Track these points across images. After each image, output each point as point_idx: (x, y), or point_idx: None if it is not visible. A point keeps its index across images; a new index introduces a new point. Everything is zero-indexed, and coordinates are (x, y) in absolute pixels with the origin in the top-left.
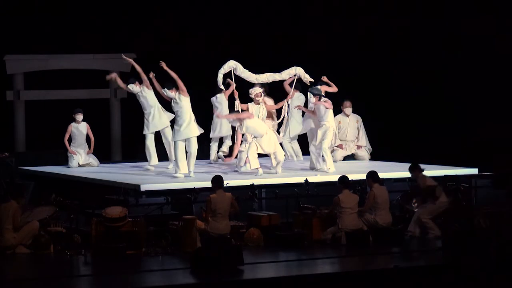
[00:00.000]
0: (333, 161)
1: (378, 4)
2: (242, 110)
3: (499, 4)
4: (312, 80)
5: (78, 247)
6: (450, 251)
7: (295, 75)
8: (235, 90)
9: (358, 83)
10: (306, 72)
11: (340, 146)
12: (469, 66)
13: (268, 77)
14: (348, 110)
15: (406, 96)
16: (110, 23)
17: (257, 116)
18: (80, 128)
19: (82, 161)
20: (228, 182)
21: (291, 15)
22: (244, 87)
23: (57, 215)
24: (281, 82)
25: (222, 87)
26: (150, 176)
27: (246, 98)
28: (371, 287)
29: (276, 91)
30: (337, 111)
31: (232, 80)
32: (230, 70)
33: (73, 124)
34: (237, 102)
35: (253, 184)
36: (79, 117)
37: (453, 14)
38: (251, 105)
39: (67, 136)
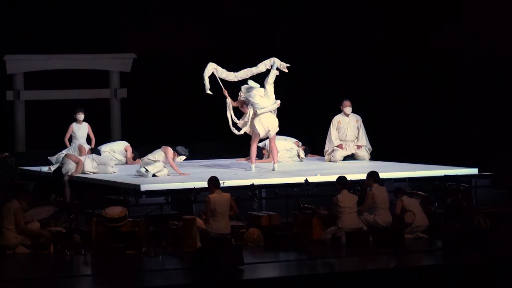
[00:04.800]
0: (333, 161)
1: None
2: (233, 108)
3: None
4: (289, 65)
5: (78, 247)
6: (450, 251)
7: (271, 65)
8: (224, 89)
9: (357, 83)
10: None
11: (340, 146)
12: (469, 66)
13: (246, 73)
14: (348, 109)
15: (406, 96)
16: (110, 23)
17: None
18: (81, 128)
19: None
20: (224, 181)
21: (286, 15)
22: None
23: (57, 215)
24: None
25: (209, 92)
26: (150, 177)
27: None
28: (371, 287)
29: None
30: (336, 111)
31: (220, 84)
32: (213, 72)
33: (74, 124)
34: (228, 99)
35: (253, 184)
36: (81, 116)
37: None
38: (242, 98)
39: (67, 136)
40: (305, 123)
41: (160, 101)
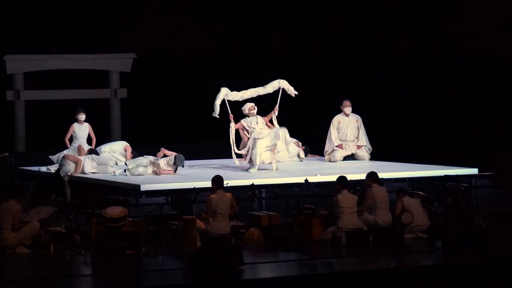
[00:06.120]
0: (333, 161)
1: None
2: (236, 130)
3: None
4: (297, 92)
5: (78, 247)
6: (450, 251)
7: (279, 88)
8: (231, 114)
9: (357, 83)
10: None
11: (340, 146)
12: (469, 66)
13: (252, 93)
14: (348, 109)
15: (406, 96)
16: (110, 23)
17: (255, 123)
18: (82, 128)
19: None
20: (228, 182)
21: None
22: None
23: (57, 215)
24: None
25: (217, 116)
26: (150, 176)
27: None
28: (371, 287)
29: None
30: (336, 111)
31: (228, 108)
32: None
33: (75, 124)
34: (232, 124)
35: (253, 184)
36: (82, 116)
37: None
38: (244, 121)
39: (68, 136)
40: (305, 123)
41: (160, 101)
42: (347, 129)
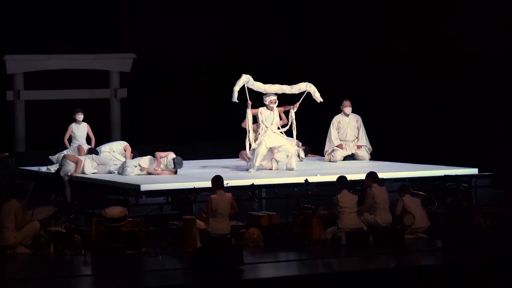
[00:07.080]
0: (333, 161)
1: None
2: (253, 115)
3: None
4: (322, 100)
5: (78, 247)
6: (450, 251)
7: (305, 91)
8: (249, 101)
9: (357, 83)
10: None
11: (340, 146)
12: (469, 66)
13: (277, 89)
14: (348, 109)
15: (406, 96)
16: (110, 23)
17: (270, 123)
18: (80, 128)
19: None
20: (228, 182)
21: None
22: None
23: (57, 215)
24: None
25: (235, 101)
26: (150, 176)
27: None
28: (371, 287)
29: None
30: (336, 111)
31: (247, 94)
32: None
33: (73, 124)
34: (249, 110)
35: (253, 184)
36: (80, 116)
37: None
38: (262, 109)
39: (67, 136)
40: (305, 123)
41: (160, 101)
42: (347, 129)
